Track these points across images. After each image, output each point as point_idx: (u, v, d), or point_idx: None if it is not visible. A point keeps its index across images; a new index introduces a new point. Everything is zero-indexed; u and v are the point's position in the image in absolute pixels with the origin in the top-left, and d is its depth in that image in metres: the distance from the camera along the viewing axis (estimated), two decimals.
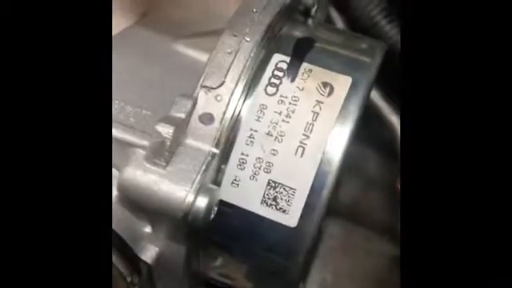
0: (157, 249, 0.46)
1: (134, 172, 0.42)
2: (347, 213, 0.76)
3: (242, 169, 0.45)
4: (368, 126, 0.50)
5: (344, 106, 0.44)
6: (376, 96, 0.65)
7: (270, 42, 0.47)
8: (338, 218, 0.75)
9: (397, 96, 0.68)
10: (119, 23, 0.54)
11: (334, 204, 0.50)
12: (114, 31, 0.52)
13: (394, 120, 0.68)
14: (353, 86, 0.45)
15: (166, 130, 0.42)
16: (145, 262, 0.46)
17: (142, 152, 0.43)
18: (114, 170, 0.44)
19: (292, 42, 0.48)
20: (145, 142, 0.43)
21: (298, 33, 0.49)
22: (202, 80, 0.44)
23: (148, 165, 0.42)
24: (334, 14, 0.72)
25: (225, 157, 0.45)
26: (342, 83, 0.45)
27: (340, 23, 0.71)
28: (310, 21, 0.54)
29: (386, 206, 0.77)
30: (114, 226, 0.44)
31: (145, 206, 0.43)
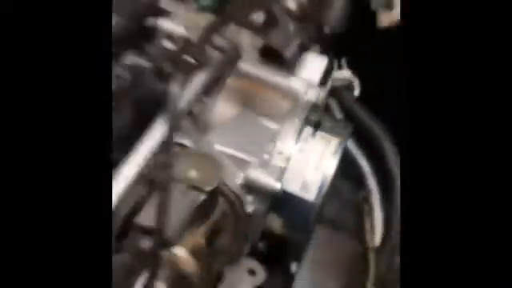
0: None
1: None
2: (329, 223, 1.00)
3: None
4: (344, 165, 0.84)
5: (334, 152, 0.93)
6: (351, 145, 1.02)
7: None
8: (322, 227, 0.97)
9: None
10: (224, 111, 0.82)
11: (321, 217, 0.82)
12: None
13: (363, 163, 1.05)
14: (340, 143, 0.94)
15: None
16: None
17: None
18: None
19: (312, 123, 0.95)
20: None
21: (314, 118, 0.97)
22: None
23: None
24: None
25: None
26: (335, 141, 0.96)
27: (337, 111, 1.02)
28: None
29: (356, 219, 1.02)
30: None
31: None
